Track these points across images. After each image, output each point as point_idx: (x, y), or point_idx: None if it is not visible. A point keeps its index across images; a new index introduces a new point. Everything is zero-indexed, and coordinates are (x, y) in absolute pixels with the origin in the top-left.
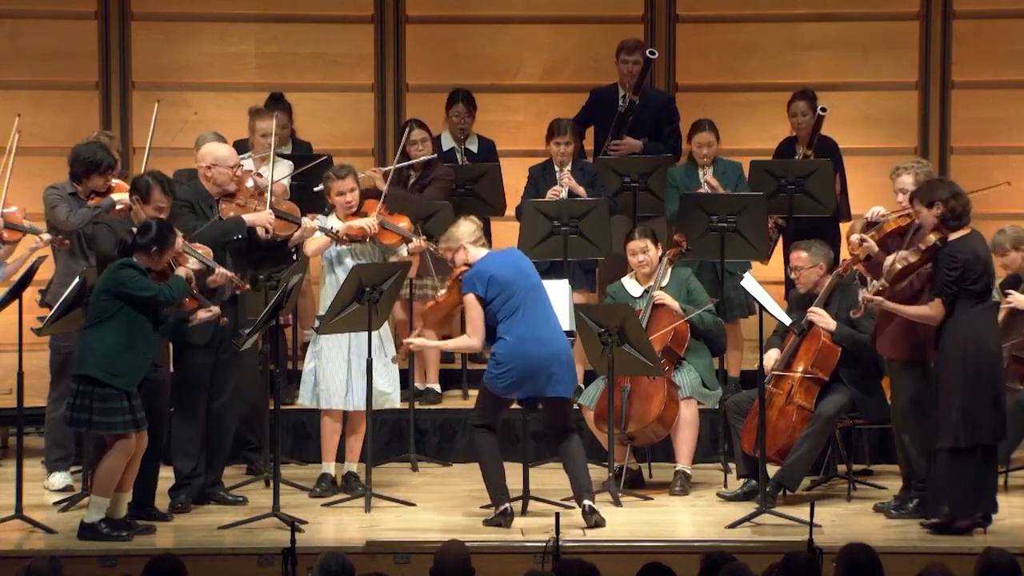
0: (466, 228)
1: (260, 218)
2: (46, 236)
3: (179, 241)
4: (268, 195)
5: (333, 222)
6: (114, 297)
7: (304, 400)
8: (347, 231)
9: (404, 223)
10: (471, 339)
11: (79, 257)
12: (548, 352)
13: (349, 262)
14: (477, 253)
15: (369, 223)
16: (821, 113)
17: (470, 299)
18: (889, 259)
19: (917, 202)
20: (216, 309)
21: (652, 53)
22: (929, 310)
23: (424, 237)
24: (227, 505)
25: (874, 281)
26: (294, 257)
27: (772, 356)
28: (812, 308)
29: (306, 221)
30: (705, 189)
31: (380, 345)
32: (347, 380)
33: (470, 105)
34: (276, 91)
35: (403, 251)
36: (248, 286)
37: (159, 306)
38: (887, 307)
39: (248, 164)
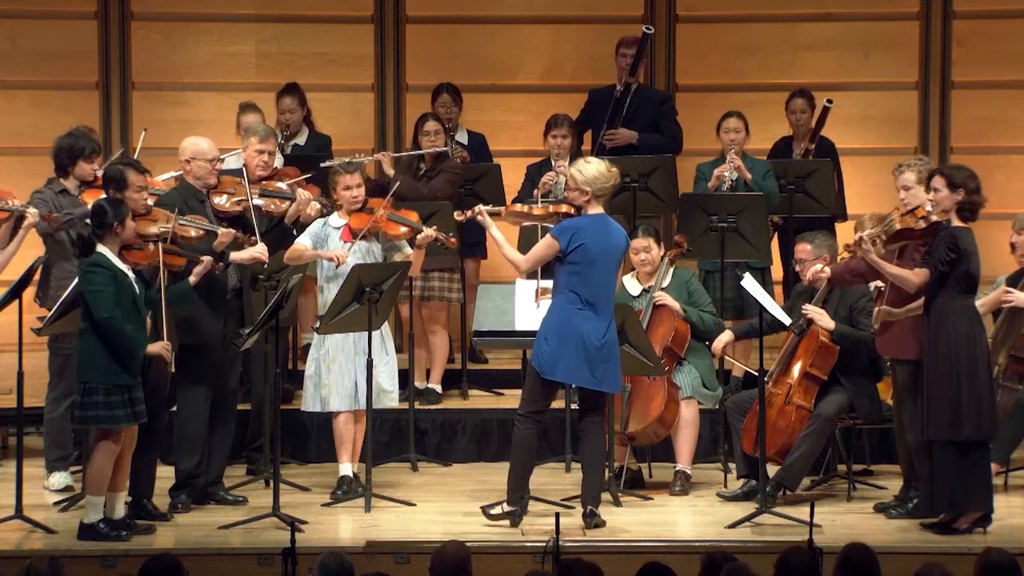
0: (599, 175)
1: (247, 254)
2: (33, 211)
3: (170, 217)
4: (246, 185)
5: (334, 220)
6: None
7: (308, 406)
8: (317, 254)
9: (411, 215)
10: (523, 262)
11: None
12: (599, 341)
13: (349, 261)
14: (591, 208)
15: (340, 253)
16: (827, 105)
17: (550, 241)
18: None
19: (940, 179)
20: (207, 258)
21: (648, 29)
22: (913, 276)
23: (435, 227)
24: (227, 505)
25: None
26: (294, 233)
27: (723, 338)
28: (809, 307)
29: (301, 193)
30: (727, 177)
31: (381, 342)
32: (355, 380)
33: (455, 96)
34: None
35: (407, 249)
36: (255, 238)
37: (104, 324)
38: (871, 259)
39: (234, 159)
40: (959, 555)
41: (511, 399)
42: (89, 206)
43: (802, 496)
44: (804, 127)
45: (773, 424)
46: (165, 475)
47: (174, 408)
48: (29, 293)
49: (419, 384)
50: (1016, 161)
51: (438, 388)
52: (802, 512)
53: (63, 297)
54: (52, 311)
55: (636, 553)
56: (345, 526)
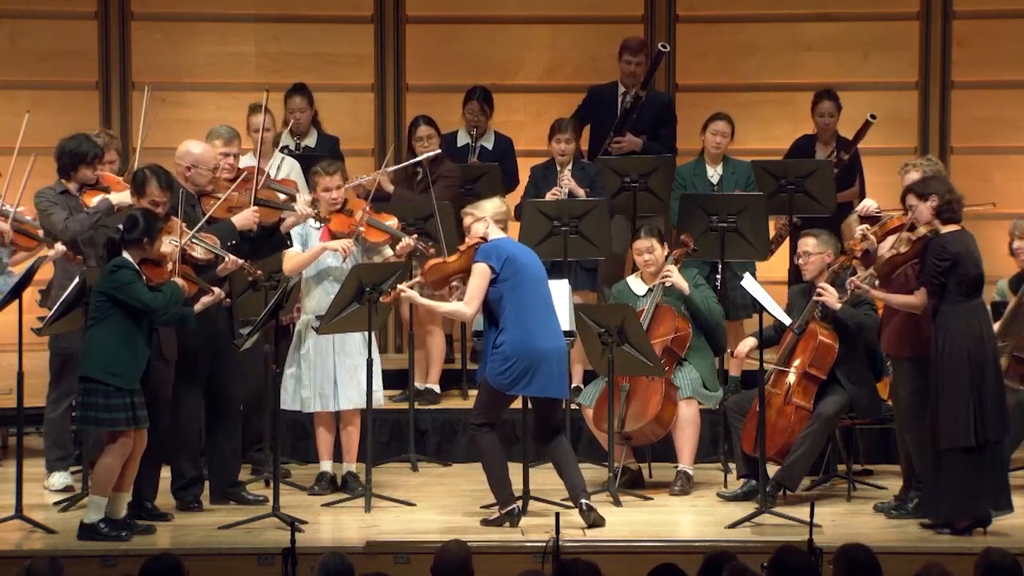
0: (495, 204)
1: (245, 219)
2: (61, 248)
3: (182, 230)
4: (254, 189)
5: (313, 220)
6: (109, 299)
7: (287, 404)
8: (324, 247)
9: (392, 221)
10: (466, 307)
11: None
12: (553, 349)
13: (331, 261)
14: (494, 233)
15: (345, 244)
16: (871, 120)
17: (481, 268)
18: (884, 246)
19: (912, 196)
20: (218, 290)
21: (664, 47)
22: (913, 299)
23: (415, 236)
24: (248, 505)
25: (861, 270)
26: (288, 243)
27: (748, 342)
28: (820, 284)
29: (299, 207)
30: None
31: (365, 343)
32: (333, 380)
33: (485, 103)
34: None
35: (387, 251)
36: (260, 272)
37: (152, 314)
38: (873, 295)
39: (248, 159)
40: (959, 555)
41: None
42: (111, 199)
43: (802, 496)
44: (831, 130)
45: (773, 424)
46: (164, 475)
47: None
48: (29, 293)
49: (419, 384)
50: (1016, 161)
51: (436, 387)
52: (802, 512)
53: (63, 297)
54: (52, 311)
55: (636, 553)
56: (345, 526)
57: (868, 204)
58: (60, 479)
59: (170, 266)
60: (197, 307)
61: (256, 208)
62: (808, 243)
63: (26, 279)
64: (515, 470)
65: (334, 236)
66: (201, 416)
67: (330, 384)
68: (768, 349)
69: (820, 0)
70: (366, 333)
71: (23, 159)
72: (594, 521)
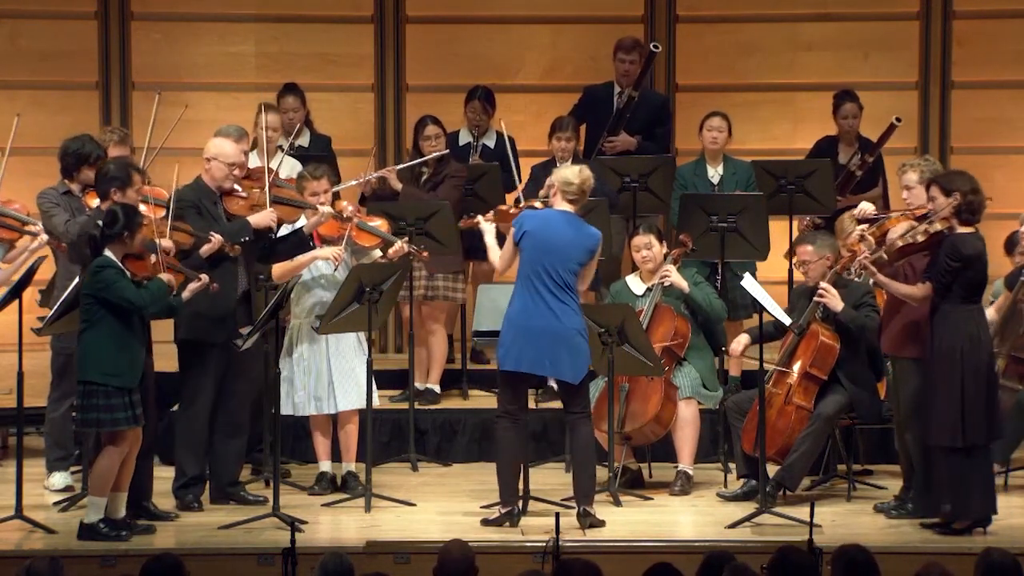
0: (559, 173)
1: (262, 218)
2: (44, 237)
3: (161, 224)
4: (267, 188)
5: (300, 221)
6: (97, 300)
7: (283, 409)
8: (314, 256)
9: (379, 222)
10: (500, 261)
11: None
12: (550, 328)
13: (322, 267)
14: (557, 203)
15: (335, 252)
16: (896, 123)
17: (511, 232)
18: (895, 232)
19: (936, 188)
20: (204, 277)
21: (655, 47)
22: (917, 291)
23: (406, 239)
24: (247, 505)
25: (869, 252)
26: (311, 245)
27: (742, 339)
28: (822, 284)
29: (323, 208)
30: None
31: (359, 344)
32: (329, 383)
33: (487, 103)
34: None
35: (376, 254)
36: (239, 248)
37: (139, 311)
38: (878, 279)
39: (253, 158)
40: (959, 555)
41: None
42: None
43: (802, 496)
44: (854, 132)
45: (773, 424)
46: (165, 475)
47: (174, 408)
48: (29, 293)
49: (419, 384)
50: (1016, 161)
51: (436, 388)
52: (802, 512)
53: (63, 297)
54: (52, 311)
55: (636, 553)
56: (345, 526)
57: (865, 207)
58: (60, 479)
59: (153, 259)
60: (185, 295)
61: (273, 208)
62: (806, 251)
63: (26, 279)
64: None
65: (323, 239)
66: (208, 412)
67: (325, 387)
68: (769, 349)
69: (820, 0)
70: (360, 335)
71: (15, 159)
72: (590, 525)
